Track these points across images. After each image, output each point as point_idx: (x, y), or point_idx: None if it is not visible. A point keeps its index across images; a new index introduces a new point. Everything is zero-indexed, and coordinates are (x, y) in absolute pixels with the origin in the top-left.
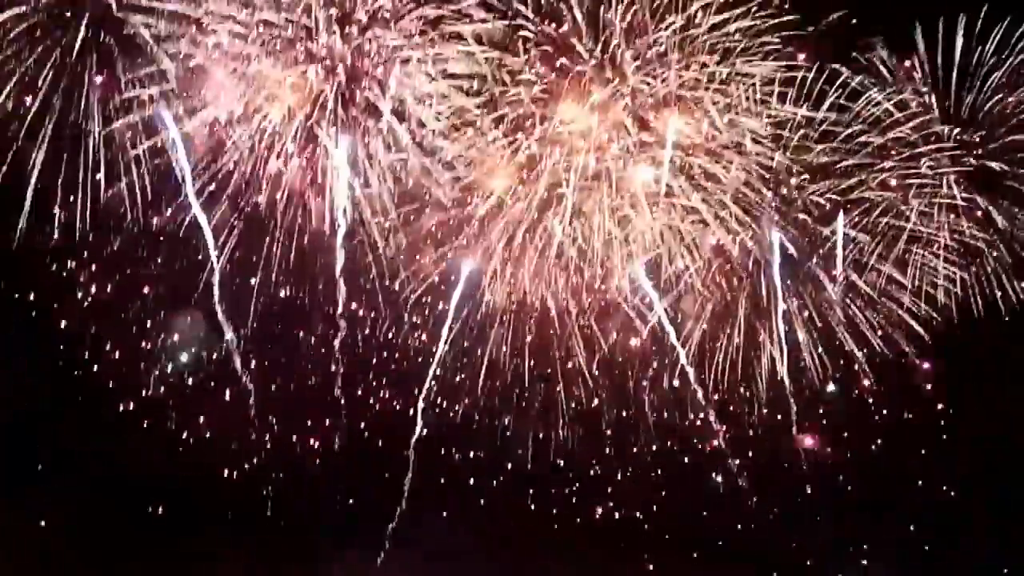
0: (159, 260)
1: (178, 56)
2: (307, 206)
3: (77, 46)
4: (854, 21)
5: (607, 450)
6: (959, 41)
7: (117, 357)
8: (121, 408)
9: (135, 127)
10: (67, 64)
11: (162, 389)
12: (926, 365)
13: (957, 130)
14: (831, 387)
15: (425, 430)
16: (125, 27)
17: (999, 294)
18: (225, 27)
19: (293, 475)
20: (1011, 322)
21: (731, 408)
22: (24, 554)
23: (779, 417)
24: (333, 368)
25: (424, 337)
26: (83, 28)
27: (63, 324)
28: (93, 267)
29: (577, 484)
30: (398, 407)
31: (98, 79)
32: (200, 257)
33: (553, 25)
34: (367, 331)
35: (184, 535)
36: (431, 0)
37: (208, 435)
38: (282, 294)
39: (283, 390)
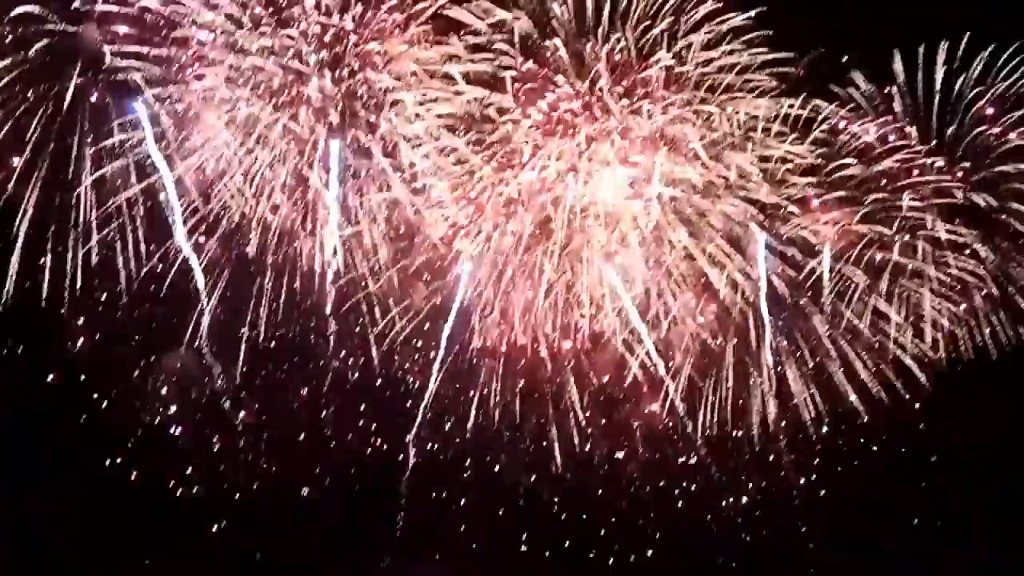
0: (149, 304)
1: (169, 100)
2: (298, 246)
3: (69, 94)
4: (845, 58)
5: (599, 490)
6: (939, 71)
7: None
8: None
9: (126, 171)
10: (59, 113)
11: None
12: (916, 404)
13: (940, 163)
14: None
15: (414, 470)
16: (117, 73)
17: (987, 331)
18: (215, 71)
19: (281, 515)
20: (1001, 362)
21: (727, 445)
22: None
23: (771, 456)
24: (323, 407)
25: (414, 377)
26: (75, 76)
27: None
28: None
29: (571, 523)
30: (386, 447)
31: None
32: (191, 297)
33: (538, 65)
34: (357, 372)
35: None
36: (421, 42)
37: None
38: (273, 333)
39: (272, 430)
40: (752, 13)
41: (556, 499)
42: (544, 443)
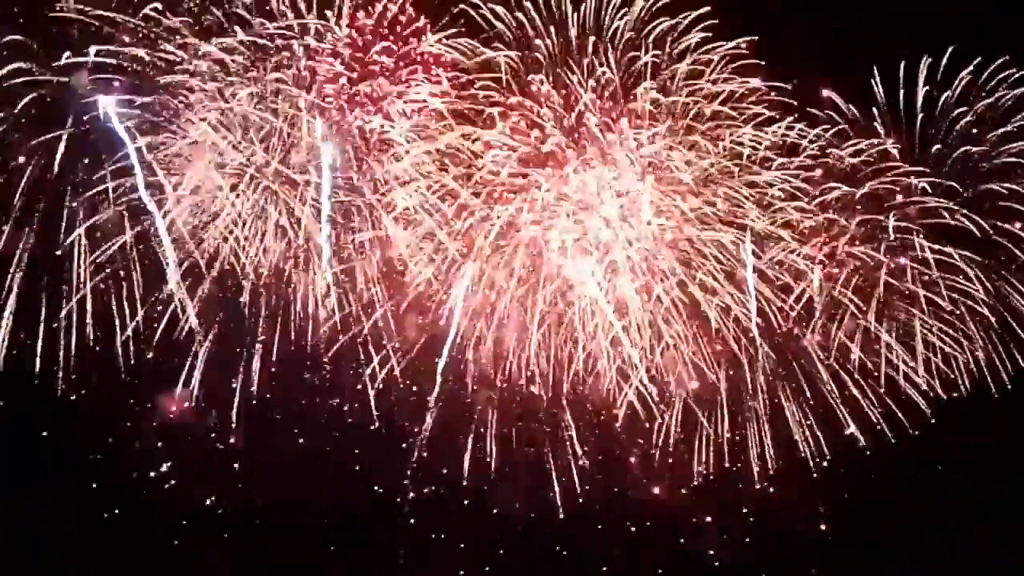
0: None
1: (161, 147)
2: (292, 287)
3: (62, 145)
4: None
5: (599, 525)
6: (921, 89)
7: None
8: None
9: (120, 218)
10: (51, 166)
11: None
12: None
13: (925, 183)
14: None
15: (412, 506)
16: (108, 122)
17: (980, 354)
18: (205, 116)
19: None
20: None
21: (725, 479)
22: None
23: (771, 489)
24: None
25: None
26: (67, 126)
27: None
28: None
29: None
30: (381, 489)
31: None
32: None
33: (525, 99)
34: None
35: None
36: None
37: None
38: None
39: (269, 468)
40: (736, 43)
41: (554, 533)
42: (542, 476)
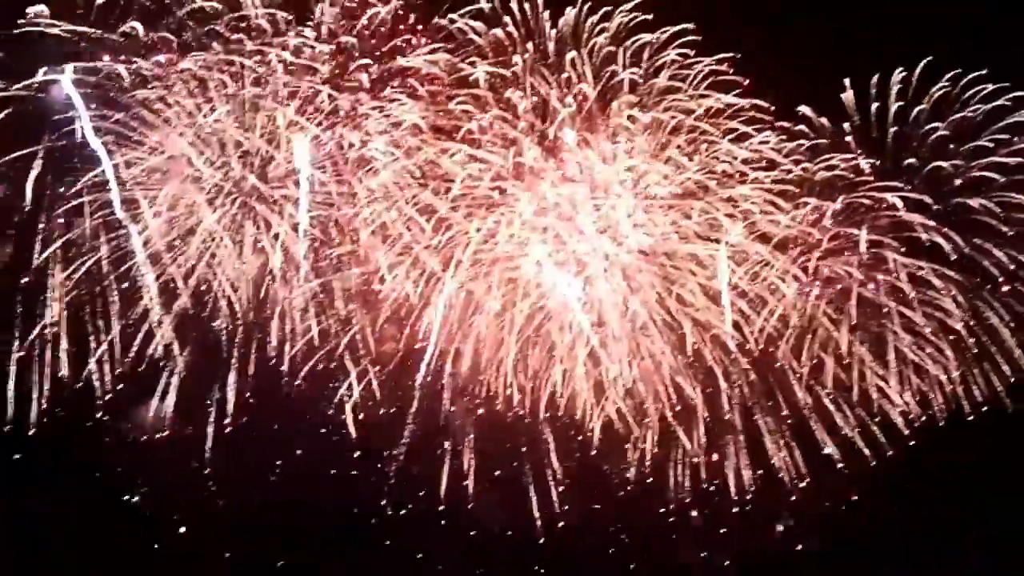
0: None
1: (136, 163)
2: (269, 301)
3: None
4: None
5: (576, 541)
6: (893, 104)
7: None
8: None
9: (95, 235)
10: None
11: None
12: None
13: (897, 199)
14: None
15: (388, 523)
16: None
17: (952, 368)
18: (182, 132)
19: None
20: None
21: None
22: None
23: (748, 508)
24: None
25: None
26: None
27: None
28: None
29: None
30: (358, 511)
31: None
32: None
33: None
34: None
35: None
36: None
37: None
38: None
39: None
40: (714, 59)
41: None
42: (520, 491)
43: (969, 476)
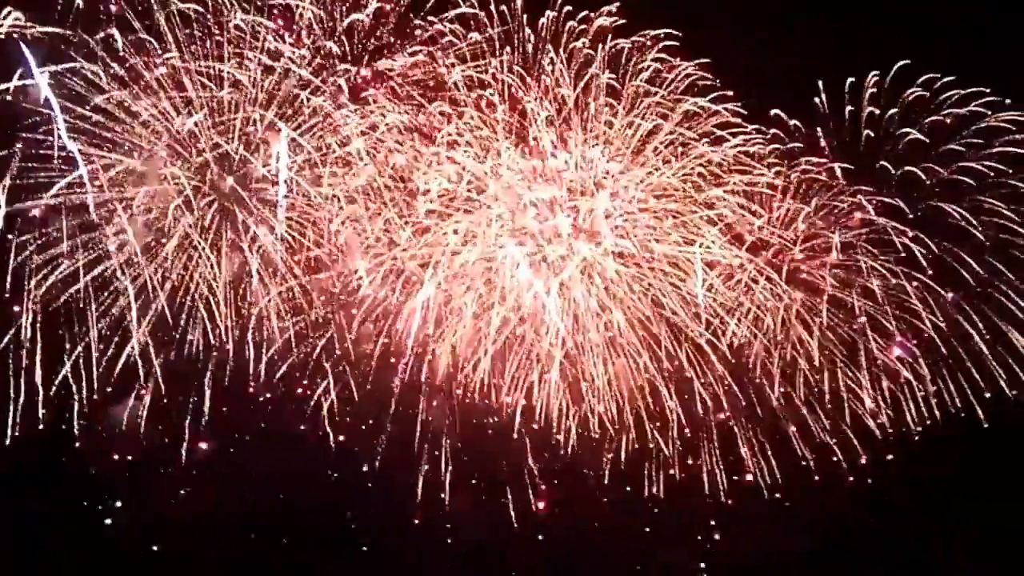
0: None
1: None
2: (246, 302)
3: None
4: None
5: (554, 543)
6: (866, 108)
7: None
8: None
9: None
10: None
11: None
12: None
13: (868, 206)
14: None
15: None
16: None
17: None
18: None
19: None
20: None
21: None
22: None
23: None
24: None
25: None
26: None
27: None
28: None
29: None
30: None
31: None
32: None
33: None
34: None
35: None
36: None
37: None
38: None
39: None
40: (690, 64)
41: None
42: (497, 493)
43: (944, 485)
